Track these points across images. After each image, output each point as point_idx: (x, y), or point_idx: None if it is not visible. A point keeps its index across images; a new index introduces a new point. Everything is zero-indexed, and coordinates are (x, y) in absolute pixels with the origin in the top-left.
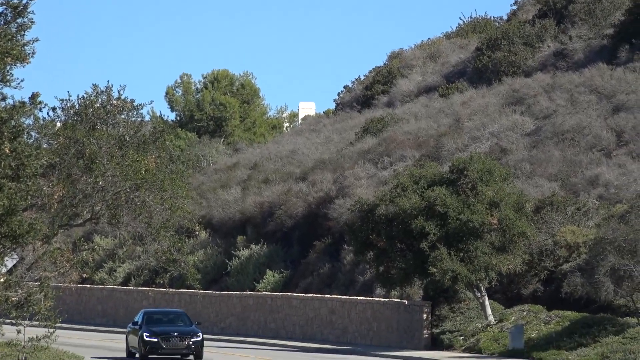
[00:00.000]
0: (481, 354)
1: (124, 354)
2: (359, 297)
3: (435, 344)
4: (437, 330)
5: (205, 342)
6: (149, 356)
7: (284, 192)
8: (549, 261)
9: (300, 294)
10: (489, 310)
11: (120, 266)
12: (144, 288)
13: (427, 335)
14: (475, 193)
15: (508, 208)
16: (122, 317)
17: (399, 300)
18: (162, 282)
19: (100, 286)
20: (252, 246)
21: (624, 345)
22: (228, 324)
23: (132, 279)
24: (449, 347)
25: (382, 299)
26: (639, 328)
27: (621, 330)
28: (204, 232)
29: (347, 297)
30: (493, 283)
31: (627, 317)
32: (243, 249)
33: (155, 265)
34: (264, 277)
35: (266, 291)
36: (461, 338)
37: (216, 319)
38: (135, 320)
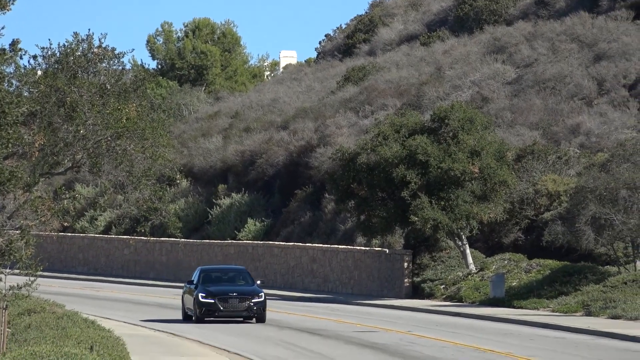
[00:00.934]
0: (462, 302)
1: (107, 303)
2: (340, 246)
3: (416, 292)
4: (418, 279)
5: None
6: (205, 319)
7: (265, 140)
8: (530, 210)
9: (281, 243)
10: (470, 259)
11: (101, 215)
12: (125, 236)
13: (408, 284)
14: (456, 142)
15: (489, 157)
16: (103, 266)
17: (380, 249)
18: (143, 230)
19: (81, 235)
20: (234, 195)
21: (605, 294)
22: None
23: (113, 227)
24: (429, 295)
25: (363, 248)
26: (620, 276)
27: (602, 278)
28: (185, 180)
29: (328, 245)
30: (474, 232)
31: (608, 266)
32: (224, 198)
33: (136, 213)
34: (245, 225)
35: (247, 240)
36: (442, 287)
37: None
38: (192, 278)
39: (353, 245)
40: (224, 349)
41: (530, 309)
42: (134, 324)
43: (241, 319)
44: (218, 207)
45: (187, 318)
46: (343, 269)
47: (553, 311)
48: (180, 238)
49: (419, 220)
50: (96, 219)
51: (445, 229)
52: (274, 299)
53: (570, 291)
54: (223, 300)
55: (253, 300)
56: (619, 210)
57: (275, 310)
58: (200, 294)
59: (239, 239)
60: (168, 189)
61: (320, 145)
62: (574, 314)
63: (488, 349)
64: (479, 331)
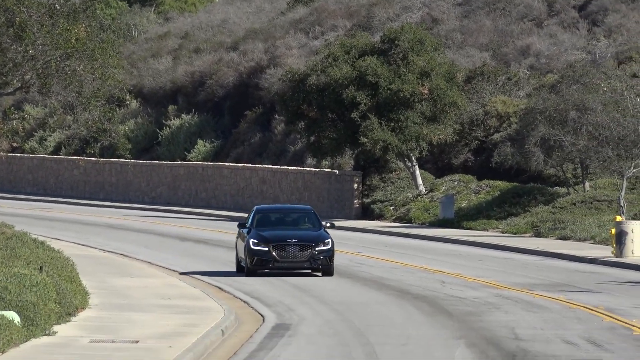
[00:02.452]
0: (411, 223)
1: (57, 224)
2: (290, 167)
3: (366, 213)
4: (368, 200)
5: (136, 212)
6: (258, 271)
7: (215, 61)
8: (480, 131)
9: (231, 164)
10: (419, 180)
11: (50, 135)
12: (74, 157)
13: (357, 205)
14: (406, 63)
15: (439, 78)
16: (52, 187)
17: (329, 170)
18: (92, 151)
19: (30, 155)
20: (183, 116)
21: (554, 215)
22: (159, 193)
23: (63, 148)
24: (379, 216)
25: (313, 169)
26: (569, 198)
27: (551, 199)
28: (135, 101)
29: (278, 167)
30: (424, 153)
31: (557, 187)
32: (174, 119)
33: (85, 134)
34: (195, 146)
35: (197, 161)
36: (392, 208)
37: (147, 188)
38: (246, 221)
39: (303, 167)
40: (174, 270)
41: (479, 230)
42: (85, 245)
43: (302, 271)
44: (168, 128)
45: (241, 270)
46: (293, 190)
47: (502, 232)
48: (130, 159)
49: (368, 141)
50: (45, 140)
51: (395, 150)
52: (224, 220)
53: (519, 212)
54: (279, 248)
55: (317, 249)
56: (568, 132)
57: (224, 231)
58: (251, 240)
59: (189, 160)
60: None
61: (270, 66)
62: (523, 235)
63: (437, 270)
64: (428, 252)
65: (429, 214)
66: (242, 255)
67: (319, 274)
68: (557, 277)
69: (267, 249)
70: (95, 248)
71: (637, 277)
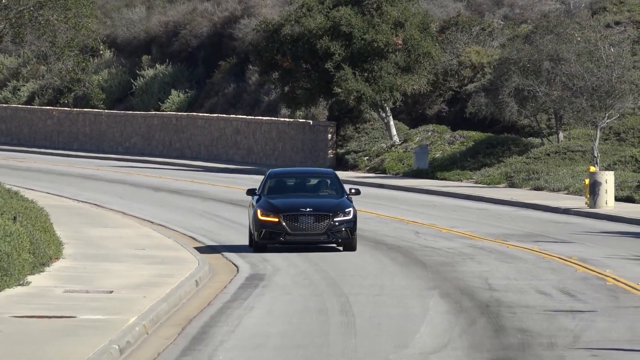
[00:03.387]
0: (386, 174)
1: (31, 174)
2: (264, 118)
3: (340, 164)
4: (342, 151)
5: (110, 162)
6: (268, 245)
7: (189, 11)
8: (454, 81)
9: (205, 114)
10: (393, 131)
11: (24, 85)
12: (48, 107)
13: (331, 156)
14: (380, 13)
15: (413, 28)
16: (25, 137)
17: (304, 120)
18: (66, 101)
19: (3, 105)
20: (157, 66)
21: (528, 165)
22: (133, 143)
23: (36, 98)
24: (353, 167)
25: (287, 119)
26: (542, 148)
27: (525, 150)
28: (109, 51)
29: (252, 117)
30: (398, 103)
31: (531, 138)
32: (148, 69)
33: (59, 84)
34: (169, 97)
35: (171, 111)
36: (366, 158)
37: (121, 138)
38: (259, 188)
39: (277, 117)
40: (148, 220)
41: (453, 181)
42: (59, 195)
43: (319, 245)
44: (141, 79)
45: (252, 245)
46: (267, 140)
47: (476, 183)
48: (104, 109)
49: (342, 91)
50: (19, 90)
51: (369, 101)
52: (198, 171)
53: (493, 163)
54: (292, 218)
55: (336, 219)
56: (542, 82)
57: (198, 181)
58: (259, 210)
59: (163, 111)
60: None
61: (245, 16)
62: (497, 185)
63: (411, 220)
64: (402, 202)
65: (403, 164)
66: (252, 227)
67: (340, 247)
68: (530, 227)
69: (277, 219)
70: (69, 198)
71: (611, 228)
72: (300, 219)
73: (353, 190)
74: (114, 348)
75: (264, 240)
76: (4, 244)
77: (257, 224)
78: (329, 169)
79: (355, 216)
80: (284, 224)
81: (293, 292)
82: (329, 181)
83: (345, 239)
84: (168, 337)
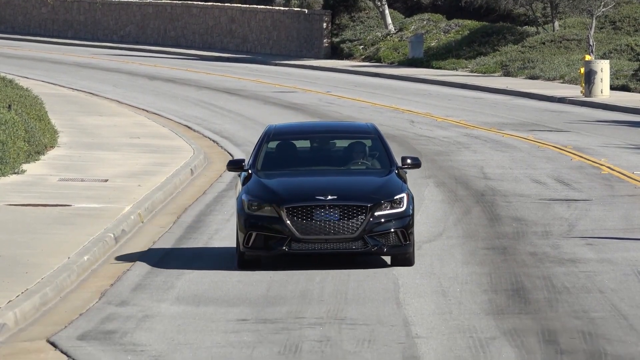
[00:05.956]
0: (381, 62)
1: (26, 62)
2: (259, 6)
3: (335, 53)
4: (337, 40)
5: (104, 51)
6: (262, 255)
7: None
8: None
9: (200, 2)
10: (388, 20)
11: None
12: None
13: (326, 45)
14: None
15: None
16: (20, 25)
17: (299, 9)
18: None
19: None
20: None
21: (523, 54)
22: (127, 32)
23: None
24: (348, 56)
25: (282, 8)
26: (538, 37)
27: (520, 39)
28: None
29: (247, 5)
30: None
31: (526, 26)
32: None
33: None
34: None
35: None
36: (361, 47)
37: (115, 27)
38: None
39: (272, 6)
40: (143, 109)
41: (448, 70)
42: (53, 84)
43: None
44: None
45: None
46: (262, 29)
47: (472, 72)
48: None
49: None
50: None
51: None
52: (192, 59)
53: (488, 52)
54: (302, 212)
55: (379, 213)
56: None
57: (193, 70)
58: (246, 198)
59: None
60: None
61: None
62: (492, 74)
63: (406, 109)
64: (397, 91)
65: (398, 53)
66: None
67: (387, 259)
68: (526, 116)
69: (276, 214)
70: (64, 87)
71: (606, 116)
72: (316, 213)
73: (409, 161)
74: (109, 236)
75: (254, 249)
76: None
77: (244, 221)
78: (368, 124)
79: (411, 207)
80: (288, 222)
81: None
82: (367, 145)
83: (396, 246)
84: (163, 225)
